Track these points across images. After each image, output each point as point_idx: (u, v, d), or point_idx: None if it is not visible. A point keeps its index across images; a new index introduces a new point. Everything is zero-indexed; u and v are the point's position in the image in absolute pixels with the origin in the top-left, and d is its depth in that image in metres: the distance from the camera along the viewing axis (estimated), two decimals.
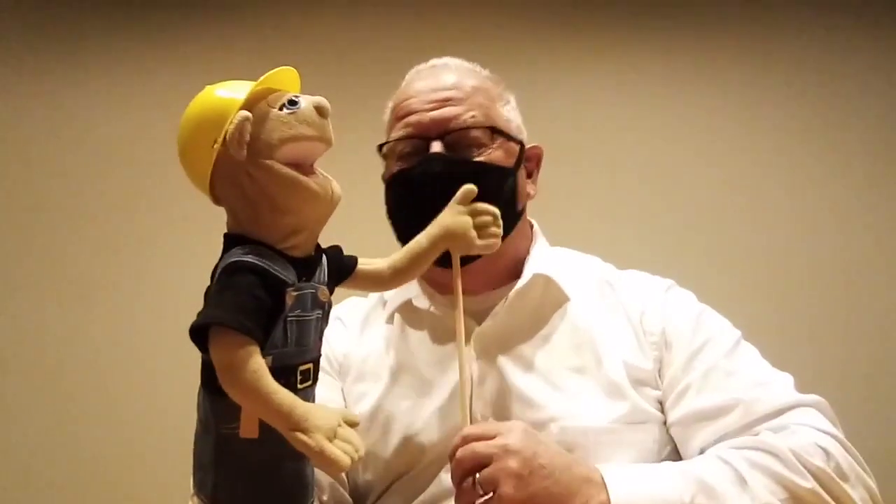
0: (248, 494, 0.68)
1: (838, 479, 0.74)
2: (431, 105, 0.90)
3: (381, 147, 0.95)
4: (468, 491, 0.71)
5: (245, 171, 0.65)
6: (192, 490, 0.71)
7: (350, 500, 0.88)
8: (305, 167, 0.68)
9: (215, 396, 0.65)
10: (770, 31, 2.02)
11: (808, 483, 0.72)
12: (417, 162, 0.89)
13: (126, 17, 2.08)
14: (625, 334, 0.90)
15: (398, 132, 0.91)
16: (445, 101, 0.90)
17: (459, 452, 0.72)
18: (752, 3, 2.04)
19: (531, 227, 1.02)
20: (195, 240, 1.88)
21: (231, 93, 0.67)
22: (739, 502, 0.71)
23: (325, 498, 0.84)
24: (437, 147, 0.88)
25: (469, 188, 0.81)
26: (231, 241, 0.67)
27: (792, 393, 0.83)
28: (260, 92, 0.67)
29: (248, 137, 0.64)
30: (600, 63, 2.05)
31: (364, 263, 0.79)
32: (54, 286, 1.98)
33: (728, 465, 0.75)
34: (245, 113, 0.64)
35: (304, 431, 0.59)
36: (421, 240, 0.81)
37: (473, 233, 0.80)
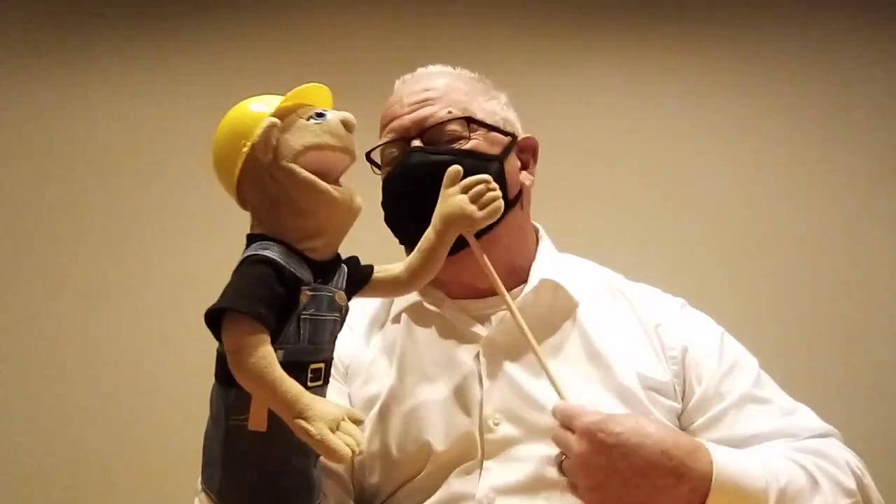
0: (254, 490, 0.69)
1: (870, 494, 0.81)
2: (410, 108, 0.94)
3: (368, 155, 0.98)
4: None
5: (269, 174, 0.69)
6: (199, 486, 0.73)
7: None
8: (329, 178, 0.72)
9: (226, 387, 0.68)
10: (775, 30, 2.01)
11: (853, 485, 0.79)
12: (399, 160, 0.92)
13: (129, 18, 2.14)
14: (640, 344, 0.91)
15: (383, 138, 0.96)
16: (423, 103, 0.93)
17: (554, 433, 0.78)
18: (757, 2, 2.04)
19: (536, 231, 1.03)
20: (198, 241, 1.98)
21: (263, 104, 0.72)
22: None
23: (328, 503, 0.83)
24: (416, 143, 0.91)
25: (453, 169, 0.82)
26: (253, 240, 0.70)
27: (819, 421, 0.88)
28: (292, 106, 0.72)
29: (274, 142, 0.68)
30: (602, 63, 2.05)
31: (380, 271, 0.81)
32: (57, 287, 2.00)
33: (801, 467, 0.78)
34: (273, 119, 0.69)
35: (308, 419, 0.61)
36: (429, 234, 0.82)
37: (472, 207, 0.81)
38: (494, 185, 0.82)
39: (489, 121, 0.95)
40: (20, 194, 2.07)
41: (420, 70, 1.01)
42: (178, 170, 2.03)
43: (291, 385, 0.62)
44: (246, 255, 0.67)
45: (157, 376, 1.92)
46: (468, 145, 0.91)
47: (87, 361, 1.95)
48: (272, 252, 0.67)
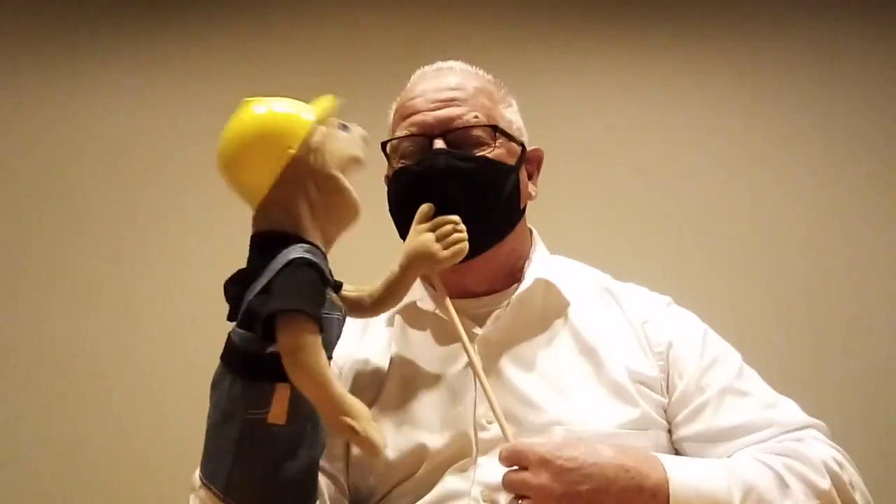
0: (264, 481, 0.70)
1: (850, 489, 0.81)
2: (435, 105, 0.93)
3: (384, 145, 0.97)
4: None
5: (312, 178, 0.71)
6: (196, 483, 0.72)
7: None
8: None
9: (247, 381, 0.69)
10: (773, 31, 2.03)
11: (827, 485, 0.79)
12: (421, 157, 0.91)
13: (128, 15, 2.09)
14: (627, 340, 0.93)
15: (402, 131, 0.94)
16: (449, 102, 0.93)
17: (504, 477, 0.76)
18: (755, 2, 2.05)
19: (531, 233, 1.05)
20: (199, 240, 1.94)
21: (301, 109, 0.73)
22: None
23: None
24: (440, 144, 0.91)
25: (424, 208, 0.85)
26: (278, 238, 0.71)
27: (801, 414, 0.90)
28: (324, 115, 0.75)
29: (326, 149, 0.71)
30: (601, 64, 2.06)
31: (348, 290, 0.84)
32: (56, 288, 1.93)
33: (770, 468, 0.79)
34: (324, 127, 0.72)
35: (353, 417, 0.65)
36: (393, 268, 0.85)
37: (436, 247, 0.83)
38: (462, 226, 0.85)
39: (508, 129, 0.96)
40: (19, 193, 1.99)
41: (440, 64, 1.01)
42: (178, 170, 1.98)
43: (339, 385, 0.66)
44: (293, 255, 0.68)
45: (156, 375, 1.86)
46: (493, 154, 0.93)
47: (86, 360, 1.88)
48: (315, 256, 0.69)
